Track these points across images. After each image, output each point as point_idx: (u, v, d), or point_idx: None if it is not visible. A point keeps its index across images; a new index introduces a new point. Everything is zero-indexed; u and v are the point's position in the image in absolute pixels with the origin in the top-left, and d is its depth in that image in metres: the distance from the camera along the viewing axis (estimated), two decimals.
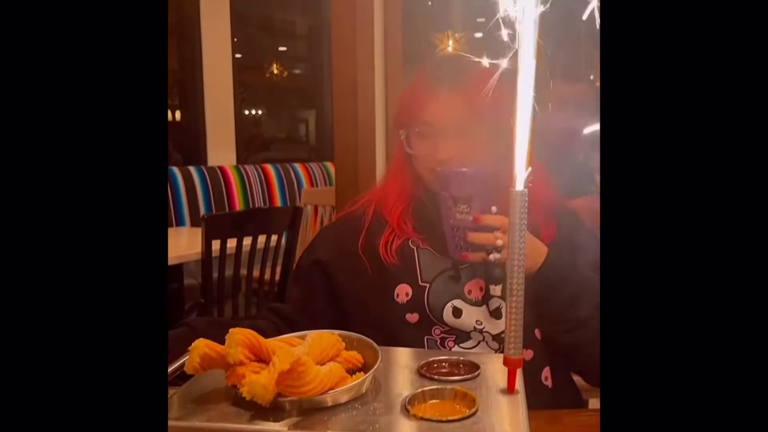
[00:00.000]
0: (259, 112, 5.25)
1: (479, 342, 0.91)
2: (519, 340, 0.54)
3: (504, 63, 0.53)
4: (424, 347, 0.92)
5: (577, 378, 0.99)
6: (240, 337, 0.55)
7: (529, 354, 0.90)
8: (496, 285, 0.88)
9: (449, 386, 0.57)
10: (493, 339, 0.91)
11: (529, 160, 0.51)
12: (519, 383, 0.57)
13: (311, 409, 0.53)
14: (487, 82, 0.92)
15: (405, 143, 0.95)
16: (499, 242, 0.84)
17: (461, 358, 0.63)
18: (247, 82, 4.64)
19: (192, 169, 3.49)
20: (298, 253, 1.91)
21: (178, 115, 4.00)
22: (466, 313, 0.91)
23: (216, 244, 2.06)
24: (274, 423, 0.51)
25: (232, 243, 2.14)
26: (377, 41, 1.69)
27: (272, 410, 0.52)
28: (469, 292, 0.91)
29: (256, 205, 3.67)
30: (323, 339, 0.60)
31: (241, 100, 4.30)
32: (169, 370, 0.61)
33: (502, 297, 0.90)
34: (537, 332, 0.91)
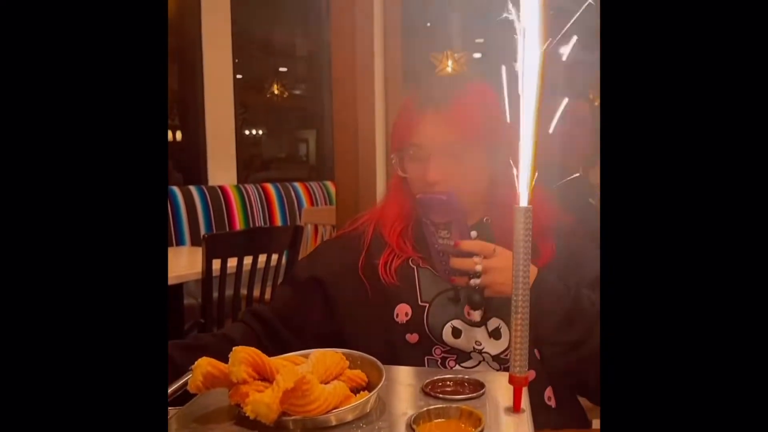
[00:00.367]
0: (260, 131, 5.27)
1: (480, 362, 0.91)
2: (524, 358, 0.54)
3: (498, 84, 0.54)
4: (425, 367, 0.91)
5: (582, 398, 0.97)
6: (243, 355, 0.55)
7: (531, 374, 0.89)
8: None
9: (454, 405, 0.56)
10: (493, 360, 0.90)
11: (532, 176, 0.51)
12: (525, 402, 0.56)
13: (315, 429, 0.52)
14: (475, 102, 0.93)
15: (398, 167, 0.96)
16: (478, 267, 0.83)
17: (466, 377, 0.62)
18: (248, 103, 4.67)
19: (192, 188, 3.50)
20: None
21: (179, 134, 4.01)
22: (465, 334, 0.90)
23: (216, 264, 2.06)
24: None
25: (232, 262, 2.13)
26: (377, 61, 1.70)
27: (276, 429, 0.52)
28: (468, 312, 0.91)
29: (257, 225, 3.67)
30: (327, 357, 0.59)
31: (241, 120, 4.32)
32: (172, 388, 0.61)
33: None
34: (537, 352, 0.90)
